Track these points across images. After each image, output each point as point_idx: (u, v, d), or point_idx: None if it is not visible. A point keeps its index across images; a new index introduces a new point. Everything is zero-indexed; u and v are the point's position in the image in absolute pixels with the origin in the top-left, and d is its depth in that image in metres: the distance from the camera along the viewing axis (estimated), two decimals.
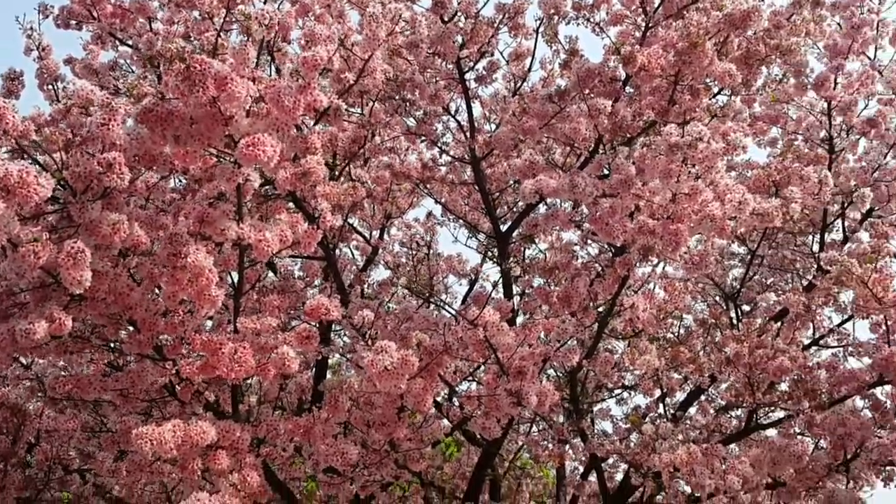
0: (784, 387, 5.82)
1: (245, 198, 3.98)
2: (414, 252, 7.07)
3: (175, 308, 3.91)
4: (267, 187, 4.62)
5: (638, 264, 4.78)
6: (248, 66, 3.54)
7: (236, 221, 3.80)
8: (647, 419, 6.03)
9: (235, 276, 4.50)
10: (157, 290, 3.87)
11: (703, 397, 6.80)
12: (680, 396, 6.91)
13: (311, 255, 5.97)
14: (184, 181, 4.82)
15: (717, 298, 7.53)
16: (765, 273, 7.43)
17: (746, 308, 7.39)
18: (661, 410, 6.58)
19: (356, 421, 4.53)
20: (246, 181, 3.84)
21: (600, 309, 5.37)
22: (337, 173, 5.22)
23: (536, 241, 6.40)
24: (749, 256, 7.15)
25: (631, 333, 5.38)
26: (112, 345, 4.31)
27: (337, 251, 6.35)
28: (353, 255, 7.20)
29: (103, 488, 5.20)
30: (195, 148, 3.63)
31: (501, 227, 6.13)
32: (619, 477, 8.29)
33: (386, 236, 7.30)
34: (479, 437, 7.01)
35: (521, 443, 9.30)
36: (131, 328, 4.02)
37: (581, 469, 8.90)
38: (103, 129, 3.26)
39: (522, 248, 6.70)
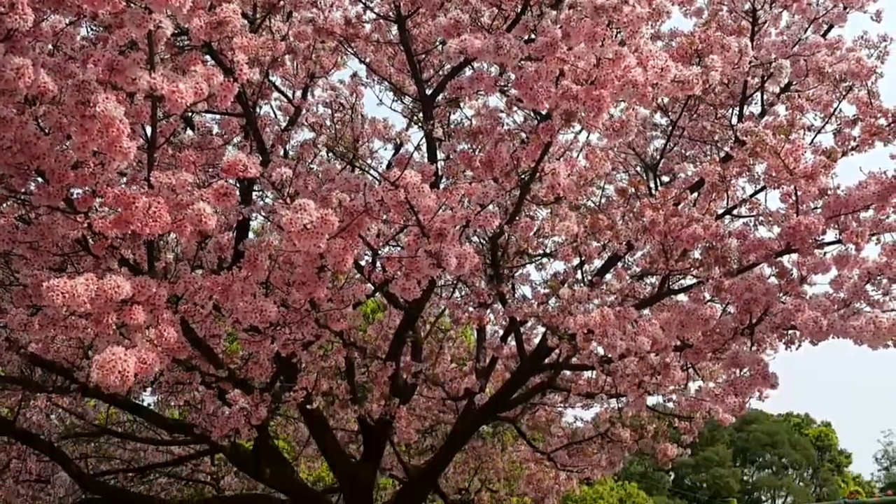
0: (697, 254, 5.99)
1: (157, 46, 3.79)
2: (338, 113, 6.91)
3: (86, 159, 3.77)
4: (182, 37, 4.42)
5: (561, 131, 4.78)
6: None
7: (148, 71, 3.65)
8: (566, 285, 6.17)
9: (149, 130, 4.38)
10: (66, 141, 3.72)
11: (619, 264, 6.99)
12: (598, 263, 7.08)
13: (229, 112, 5.80)
14: (94, 28, 4.57)
15: (638, 169, 7.64)
16: (685, 144, 7.52)
17: (666, 179, 7.52)
18: (578, 276, 6.74)
19: (276, 280, 4.52)
20: (158, 28, 3.67)
21: (523, 175, 5.39)
22: (256, 25, 5.01)
23: (462, 105, 6.31)
24: (670, 128, 7.22)
25: (552, 200, 5.43)
26: (22, 197, 4.14)
27: (257, 109, 6.18)
28: (274, 114, 7.01)
29: (16, 343, 5.13)
30: None
31: (427, 90, 6.03)
32: (536, 340, 8.58)
33: (310, 96, 7.12)
34: (400, 299, 7.13)
35: (442, 306, 9.50)
36: (40, 179, 3.87)
37: (500, 332, 9.18)
38: None
39: (448, 113, 6.62)
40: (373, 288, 5.21)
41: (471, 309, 7.45)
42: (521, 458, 11.43)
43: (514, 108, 6.12)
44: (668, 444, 10.13)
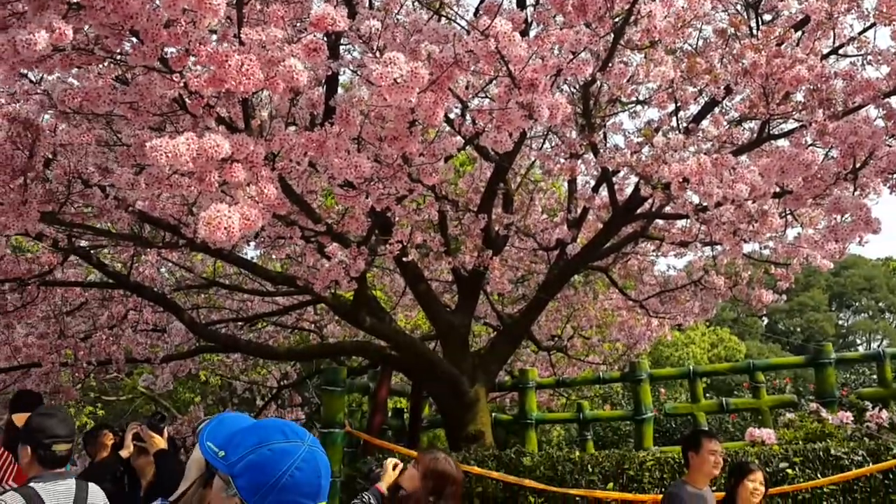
0: (800, 97, 5.72)
1: None
2: None
3: (177, 17, 3.77)
4: None
5: None
6: None
7: None
8: (660, 132, 6.00)
9: None
10: None
11: (716, 110, 6.73)
12: (694, 110, 6.84)
13: None
14: None
15: (739, 7, 7.21)
16: None
17: (768, 17, 7.08)
18: (673, 123, 6.53)
19: (368, 135, 4.53)
20: None
21: (616, 19, 5.17)
22: None
23: None
24: None
25: (647, 44, 5.21)
26: (118, 58, 4.20)
27: None
28: None
29: (125, 201, 5.34)
30: None
31: None
32: (629, 190, 8.46)
33: None
34: (491, 151, 7.08)
35: (533, 158, 9.41)
36: (135, 39, 3.90)
37: (592, 183, 9.08)
38: None
39: None
40: (463, 141, 5.15)
41: (562, 160, 7.35)
42: (612, 305, 11.51)
43: None
44: (762, 291, 10.03)
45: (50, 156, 4.99)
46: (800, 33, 5.86)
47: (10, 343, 8.36)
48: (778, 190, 5.28)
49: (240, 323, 11.13)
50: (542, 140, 8.72)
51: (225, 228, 3.82)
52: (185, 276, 9.80)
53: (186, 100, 4.36)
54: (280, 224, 6.13)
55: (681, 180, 4.82)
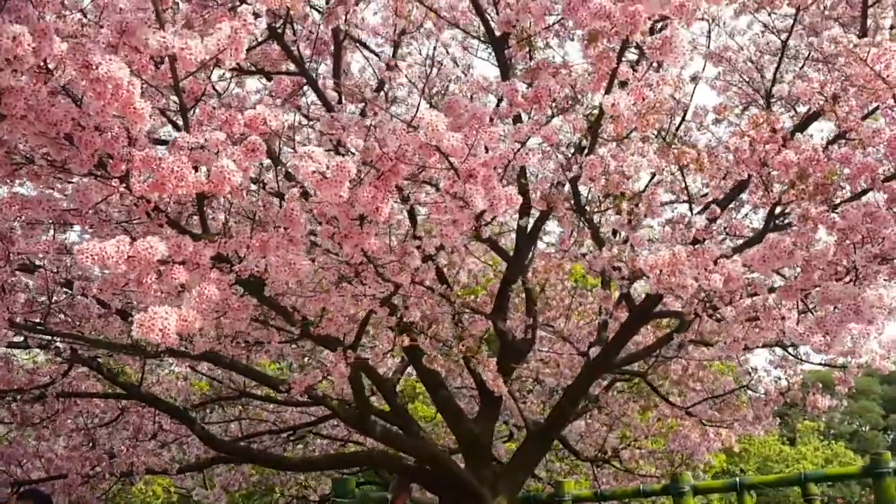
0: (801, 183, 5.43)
1: (165, 4, 3.77)
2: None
3: (108, 123, 3.82)
4: None
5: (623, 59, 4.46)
6: None
7: (157, 31, 3.63)
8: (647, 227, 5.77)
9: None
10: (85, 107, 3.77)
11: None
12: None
13: (282, 71, 5.82)
14: None
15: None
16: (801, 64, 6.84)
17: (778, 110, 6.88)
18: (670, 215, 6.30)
19: (323, 234, 4.46)
20: None
21: (589, 112, 5.08)
22: None
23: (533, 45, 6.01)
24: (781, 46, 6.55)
25: (622, 135, 5.06)
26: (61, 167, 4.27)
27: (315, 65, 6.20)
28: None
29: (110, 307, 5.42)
30: None
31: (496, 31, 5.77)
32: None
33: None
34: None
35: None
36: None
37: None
38: None
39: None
40: (418, 239, 5.06)
41: (556, 258, 7.15)
42: (659, 413, 10.95)
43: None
44: (818, 396, 9.47)
45: (27, 262, 5.07)
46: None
47: (42, 455, 8.43)
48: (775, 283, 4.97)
49: (284, 435, 11.00)
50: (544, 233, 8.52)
51: (160, 330, 3.74)
52: (219, 385, 9.77)
53: (134, 205, 4.40)
54: (261, 327, 6.09)
55: (657, 273, 4.56)
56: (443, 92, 8.14)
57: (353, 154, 3.78)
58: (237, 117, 4.12)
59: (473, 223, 4.28)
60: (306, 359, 7.26)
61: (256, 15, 4.28)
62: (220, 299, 4.31)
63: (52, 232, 4.92)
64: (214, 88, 6.83)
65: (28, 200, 4.06)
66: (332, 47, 6.64)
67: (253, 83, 6.91)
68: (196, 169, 4.17)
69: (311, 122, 6.28)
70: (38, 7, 3.56)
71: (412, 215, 6.40)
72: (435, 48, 7.47)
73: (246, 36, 3.79)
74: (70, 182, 4.64)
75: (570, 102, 4.85)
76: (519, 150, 4.10)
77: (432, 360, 6.51)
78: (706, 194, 7.52)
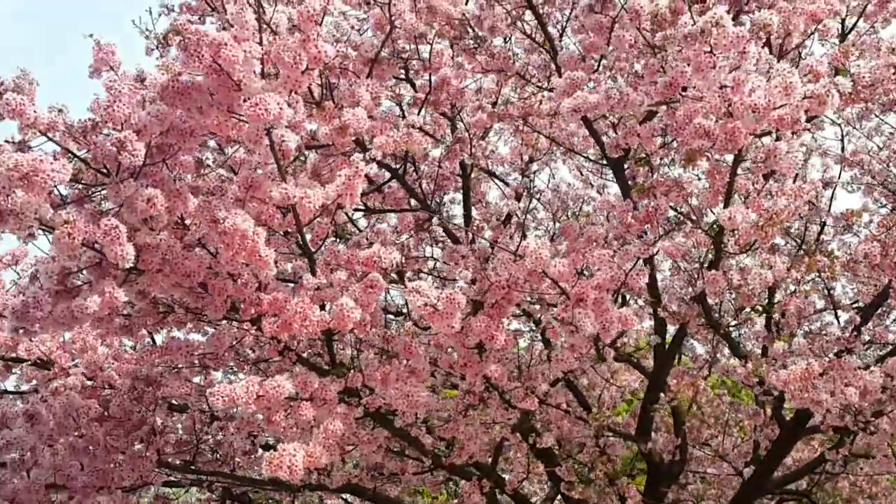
0: None
1: (287, 159, 4.03)
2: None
3: (238, 271, 4.07)
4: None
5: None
6: (248, 30, 3.59)
7: (278, 183, 3.89)
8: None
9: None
10: (215, 257, 4.05)
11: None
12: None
13: (405, 209, 6.09)
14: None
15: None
16: None
17: None
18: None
19: (443, 363, 4.51)
20: (283, 142, 3.91)
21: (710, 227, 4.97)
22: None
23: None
24: None
25: (745, 248, 4.92)
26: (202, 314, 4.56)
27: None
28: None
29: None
30: (221, 116, 3.74)
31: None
32: None
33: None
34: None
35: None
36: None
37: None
38: (109, 111, 3.43)
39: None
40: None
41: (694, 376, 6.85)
42: None
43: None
44: None
45: (176, 403, 5.36)
46: None
47: None
48: None
49: None
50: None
51: (287, 467, 3.84)
52: None
53: (266, 345, 4.62)
54: (395, 458, 6.11)
55: (791, 388, 4.30)
56: (577, 213, 8.20)
57: (459, 285, 3.80)
58: (357, 255, 4.31)
59: (590, 346, 4.22)
60: (443, 489, 7.21)
61: (372, 160, 4.51)
62: (349, 433, 4.41)
63: (198, 374, 5.21)
64: (356, 226, 7.22)
65: (167, 347, 4.31)
66: (461, 180, 6.89)
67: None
68: (323, 307, 4.37)
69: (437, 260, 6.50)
70: (173, 170, 3.89)
71: (546, 339, 6.38)
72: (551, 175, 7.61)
73: (359, 181, 4.00)
74: (210, 327, 4.93)
75: (685, 219, 4.78)
76: (630, 270, 4.03)
77: (570, 488, 6.30)
78: (856, 301, 7.13)
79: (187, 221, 4.06)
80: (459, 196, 7.33)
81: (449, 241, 6.28)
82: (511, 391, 4.84)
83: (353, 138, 4.30)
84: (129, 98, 3.53)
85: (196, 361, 4.85)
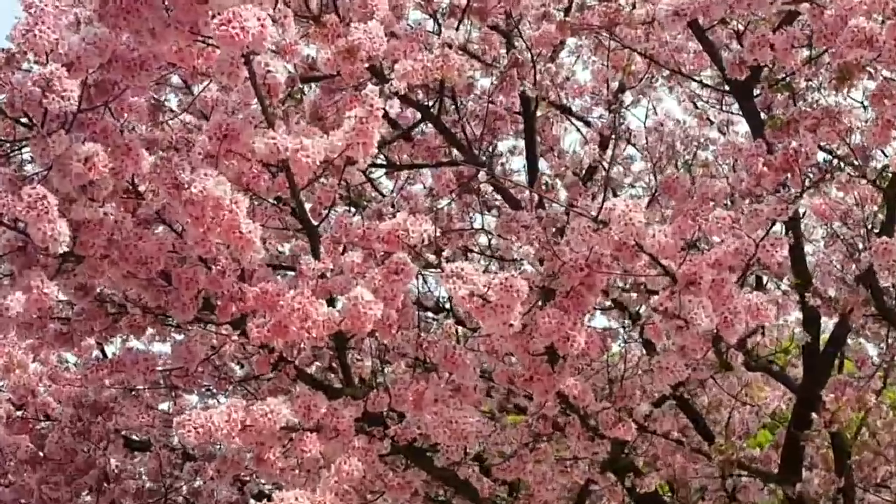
0: None
1: (275, 97, 4.07)
2: None
3: (213, 255, 4.13)
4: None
5: None
6: None
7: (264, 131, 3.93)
8: None
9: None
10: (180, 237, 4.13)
11: None
12: None
13: (440, 163, 6.11)
14: None
15: None
16: None
17: None
18: None
19: (499, 378, 4.53)
20: (267, 73, 3.95)
21: None
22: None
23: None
24: None
25: None
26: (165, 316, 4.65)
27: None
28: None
29: None
30: (183, 41, 3.79)
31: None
32: None
33: None
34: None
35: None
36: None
37: None
38: (27, 38, 3.50)
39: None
40: None
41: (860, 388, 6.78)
42: None
43: None
44: None
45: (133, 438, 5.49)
46: None
47: None
48: None
49: None
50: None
51: None
52: None
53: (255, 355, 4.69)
54: None
55: None
56: (687, 162, 8.15)
57: (521, 266, 3.83)
58: (377, 228, 4.33)
59: (709, 348, 4.22)
60: None
61: (395, 95, 4.52)
62: (371, 475, 4.47)
63: (164, 398, 5.33)
64: (375, 187, 7.26)
65: (121, 362, 4.40)
66: (522, 120, 6.88)
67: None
68: (330, 302, 4.42)
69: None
70: (120, 117, 3.96)
71: (645, 340, 6.35)
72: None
73: (375, 125, 4.02)
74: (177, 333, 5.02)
75: (842, 164, 4.74)
76: (763, 240, 4.01)
77: None
78: None
79: (141, 188, 4.14)
80: (520, 143, 7.32)
81: (505, 205, 6.27)
82: (598, 415, 4.84)
83: (367, 65, 4.31)
84: (56, 19, 3.58)
85: (160, 381, 4.93)
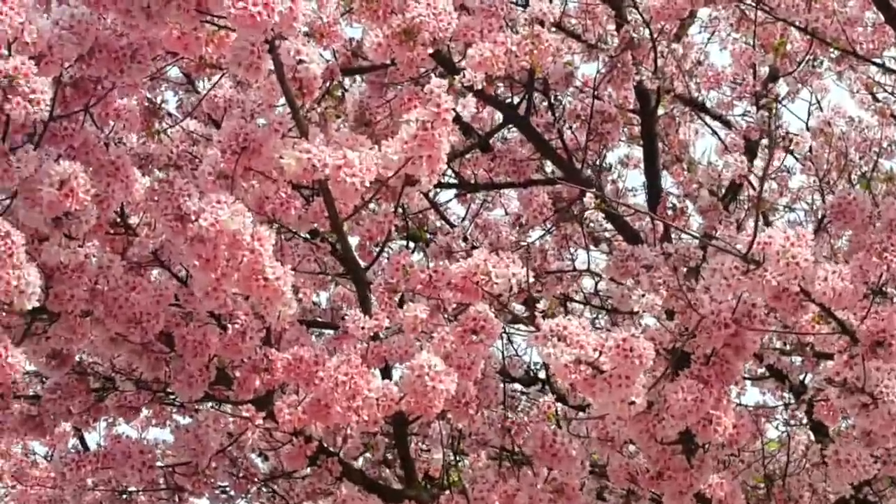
0: None
1: (310, 96, 4.09)
2: None
3: (229, 309, 4.15)
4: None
5: None
6: None
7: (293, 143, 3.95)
8: None
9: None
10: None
11: None
12: None
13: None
14: None
15: None
16: None
17: None
18: None
19: (615, 475, 4.52)
20: (299, 64, 3.98)
21: None
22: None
23: None
24: None
25: None
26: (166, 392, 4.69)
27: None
28: None
29: None
30: (187, 23, 3.83)
31: None
32: None
33: None
34: None
35: None
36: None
37: None
38: None
39: None
40: None
41: None
42: None
43: None
44: None
45: None
46: None
47: None
48: None
49: None
50: None
51: None
52: None
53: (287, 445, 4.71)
54: None
55: None
56: (865, 175, 8.07)
57: (642, 322, 3.81)
58: (447, 271, 4.33)
59: None
60: None
61: (468, 91, 4.53)
62: None
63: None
64: (442, 216, 7.25)
65: (108, 455, 4.45)
66: (640, 121, 6.85)
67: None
68: (386, 373, 4.43)
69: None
70: (104, 125, 4.01)
71: (815, 423, 6.28)
72: None
73: (443, 131, 4.02)
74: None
75: None
76: None
77: None
78: None
79: (133, 220, 4.18)
80: (636, 152, 7.31)
81: (619, 237, 6.26)
82: None
83: (430, 51, 4.33)
84: None
85: (160, 480, 4.95)
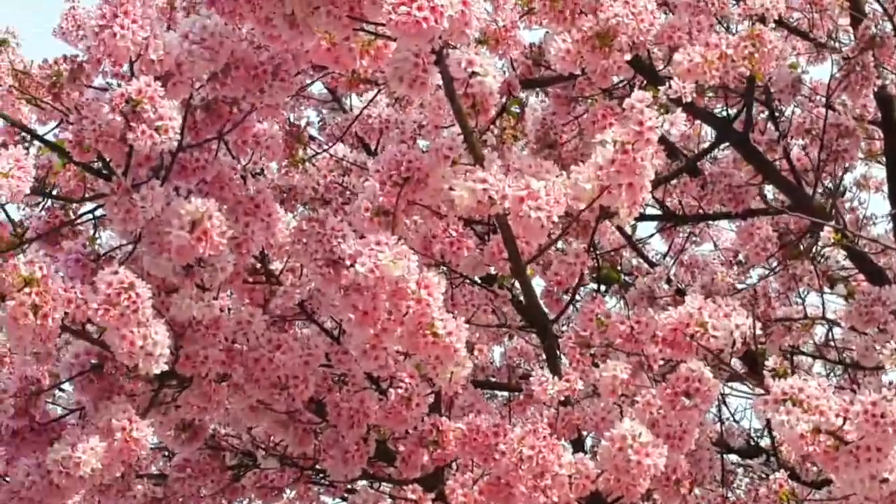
0: None
1: (485, 115, 4.07)
2: None
3: (390, 372, 4.13)
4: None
5: None
6: None
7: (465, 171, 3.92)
8: None
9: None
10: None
11: None
12: None
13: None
14: None
15: None
16: None
17: None
18: None
19: None
20: (471, 78, 3.95)
21: None
22: None
23: None
24: None
25: None
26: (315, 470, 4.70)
27: None
28: None
29: None
30: (338, 31, 3.84)
31: None
32: None
33: None
34: None
35: None
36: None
37: None
38: (103, 36, 3.57)
39: None
40: None
41: None
42: None
43: None
44: None
45: None
46: None
47: None
48: None
49: None
50: None
51: None
52: None
53: None
54: None
55: None
56: None
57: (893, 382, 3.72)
58: (652, 321, 4.28)
59: None
60: None
61: (675, 104, 4.48)
62: None
63: None
64: (642, 255, 7.17)
65: None
66: (883, 136, 6.73)
67: None
68: (578, 446, 4.40)
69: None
70: (240, 150, 4.03)
71: None
72: None
73: (647, 152, 3.96)
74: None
75: None
76: None
77: None
78: None
79: (275, 266, 4.20)
80: (876, 171, 7.17)
81: (860, 277, 6.14)
82: None
83: (628, 57, 4.29)
84: (145, 8, 3.65)
85: None
